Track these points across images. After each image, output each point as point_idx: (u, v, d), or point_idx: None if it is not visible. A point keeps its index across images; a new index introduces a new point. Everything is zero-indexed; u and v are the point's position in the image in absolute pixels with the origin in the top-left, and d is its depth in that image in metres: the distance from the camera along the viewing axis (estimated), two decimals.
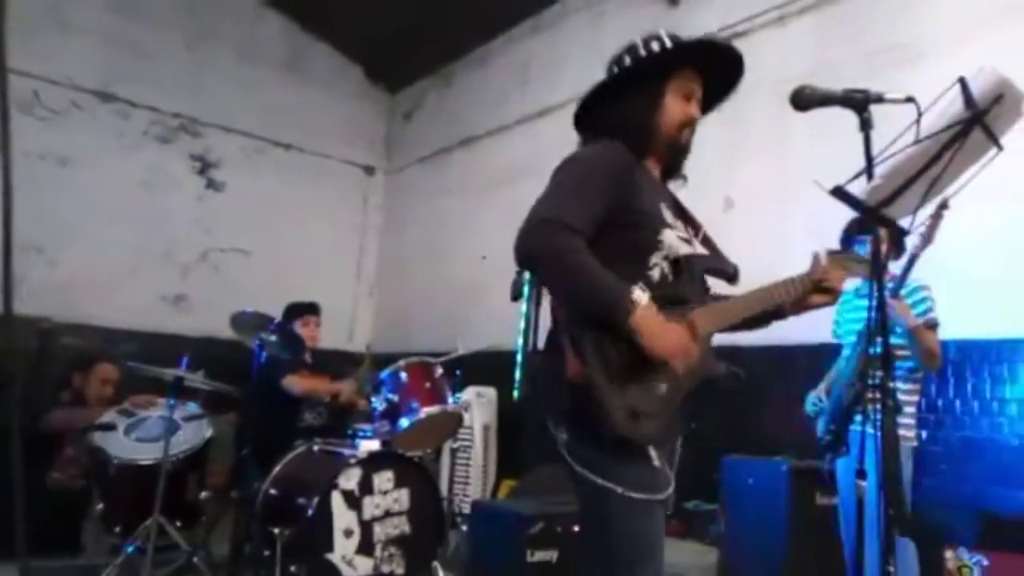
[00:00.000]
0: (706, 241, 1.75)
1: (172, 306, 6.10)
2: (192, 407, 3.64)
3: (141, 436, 3.43)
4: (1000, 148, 1.49)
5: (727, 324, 1.62)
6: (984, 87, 1.39)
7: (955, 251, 2.73)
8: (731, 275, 1.73)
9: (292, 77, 6.90)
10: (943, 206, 2.54)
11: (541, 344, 4.43)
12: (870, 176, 1.55)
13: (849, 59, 4.01)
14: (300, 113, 6.89)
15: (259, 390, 3.51)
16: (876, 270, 1.56)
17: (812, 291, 1.68)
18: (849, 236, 2.77)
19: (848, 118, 1.60)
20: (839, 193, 1.49)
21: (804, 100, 1.63)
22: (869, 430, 2.64)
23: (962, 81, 1.38)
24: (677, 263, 1.60)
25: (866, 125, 1.59)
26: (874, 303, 1.52)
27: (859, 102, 1.58)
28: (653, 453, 1.51)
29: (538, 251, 1.45)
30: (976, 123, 1.41)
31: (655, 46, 1.65)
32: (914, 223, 1.56)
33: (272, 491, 3.23)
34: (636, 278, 1.49)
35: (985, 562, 3.08)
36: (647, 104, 1.65)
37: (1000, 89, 1.39)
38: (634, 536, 1.48)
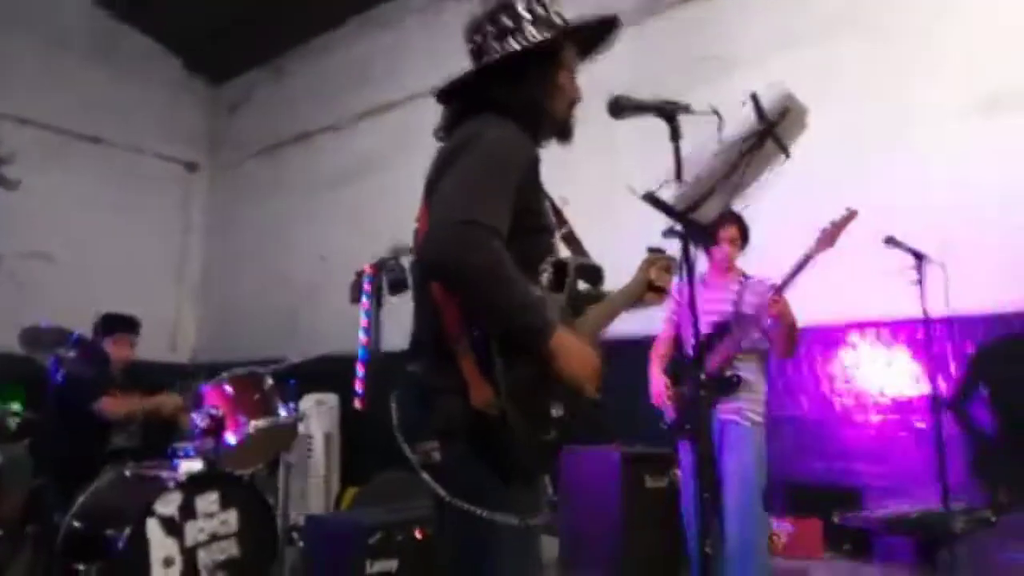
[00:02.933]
0: (570, 239, 1.69)
1: None
2: None
3: None
4: (788, 155, 1.64)
5: (606, 327, 1.60)
6: (773, 102, 1.51)
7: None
8: (597, 276, 1.67)
9: (101, 66, 6.32)
10: (851, 213, 2.77)
11: (382, 347, 4.31)
12: (679, 180, 1.65)
13: (671, 68, 4.29)
14: (111, 105, 6.34)
15: (57, 412, 3.14)
16: (689, 270, 1.66)
17: (646, 291, 1.73)
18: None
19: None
20: (651, 199, 1.57)
21: (619, 108, 1.69)
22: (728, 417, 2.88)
23: (754, 96, 1.50)
24: (560, 267, 1.54)
25: (676, 134, 1.68)
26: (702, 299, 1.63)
27: (669, 112, 1.66)
28: (546, 481, 1.47)
29: (462, 259, 1.25)
30: (768, 134, 1.54)
31: (547, 15, 1.54)
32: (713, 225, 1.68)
33: (76, 523, 2.90)
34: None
35: (791, 528, 3.42)
36: (544, 84, 1.54)
37: (786, 103, 1.52)
38: (518, 566, 1.40)
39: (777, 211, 3.11)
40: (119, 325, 3.80)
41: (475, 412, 1.33)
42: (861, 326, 3.72)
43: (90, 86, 6.19)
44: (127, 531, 2.69)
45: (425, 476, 1.40)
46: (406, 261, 4.40)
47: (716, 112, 1.61)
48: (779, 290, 2.78)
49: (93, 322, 3.82)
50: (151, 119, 6.67)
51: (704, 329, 2.89)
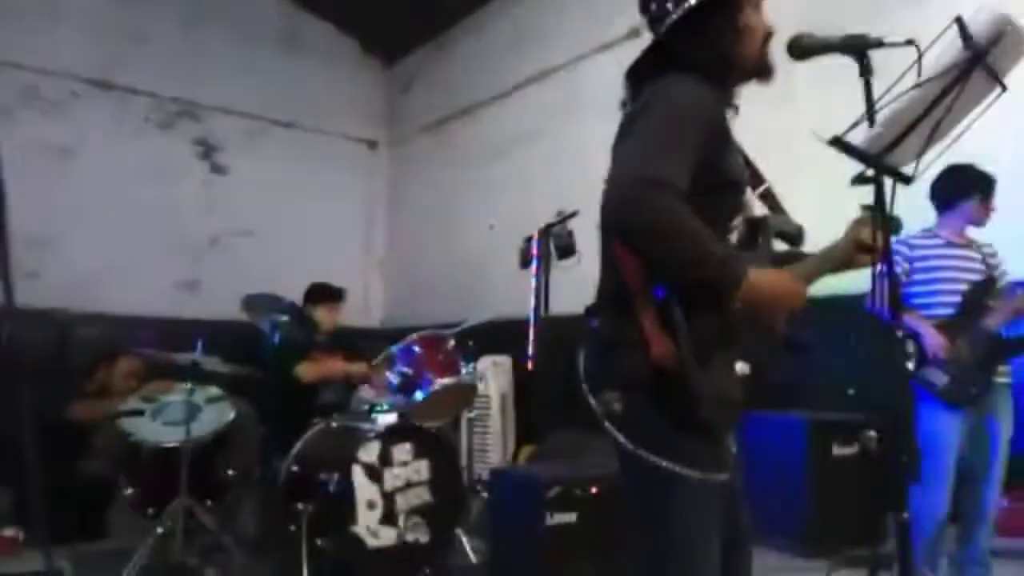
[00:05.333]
0: (768, 197, 1.66)
1: (185, 291, 6.15)
2: (213, 390, 3.70)
3: (167, 420, 3.50)
4: (1004, 88, 1.45)
5: (808, 286, 1.52)
6: (983, 26, 1.35)
7: None
8: (796, 237, 1.63)
9: (288, 54, 6.84)
10: None
11: (552, 311, 4.39)
12: (871, 123, 1.52)
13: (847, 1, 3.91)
14: (298, 91, 6.84)
15: (274, 371, 3.55)
16: (883, 220, 1.54)
17: (857, 250, 1.62)
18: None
19: (848, 66, 1.56)
20: (839, 143, 1.47)
21: (802, 49, 1.58)
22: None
23: (959, 20, 1.34)
24: (753, 225, 1.52)
25: (866, 71, 1.54)
26: (888, 254, 1.51)
27: (858, 48, 1.53)
28: (729, 438, 1.47)
29: (636, 215, 1.26)
30: (977, 63, 1.37)
31: None
32: (917, 169, 1.53)
33: (294, 468, 3.29)
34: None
35: (1006, 504, 3.10)
36: (731, 32, 1.48)
37: (1000, 27, 1.35)
38: (697, 519, 1.39)
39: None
40: (329, 295, 4.25)
41: (655, 366, 1.34)
42: None
43: (280, 74, 6.71)
44: (336, 476, 3.01)
45: (608, 425, 1.42)
46: (573, 225, 4.47)
47: (913, 43, 1.48)
48: None
49: (304, 291, 4.28)
50: (335, 101, 7.13)
51: (957, 289, 2.78)
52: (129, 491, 3.39)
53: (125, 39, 5.99)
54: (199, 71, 6.34)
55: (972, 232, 2.93)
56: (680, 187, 1.28)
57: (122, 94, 6.01)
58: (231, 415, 3.59)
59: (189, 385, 3.38)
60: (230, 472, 3.55)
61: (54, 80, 5.68)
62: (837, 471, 3.17)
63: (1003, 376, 2.76)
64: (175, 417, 3.45)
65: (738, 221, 1.49)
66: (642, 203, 1.26)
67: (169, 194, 6.11)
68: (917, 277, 2.86)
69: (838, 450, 3.23)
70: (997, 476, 2.72)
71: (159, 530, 3.14)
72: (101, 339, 5.13)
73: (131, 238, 5.83)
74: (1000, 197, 2.92)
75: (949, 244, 2.86)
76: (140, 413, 3.47)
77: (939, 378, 2.69)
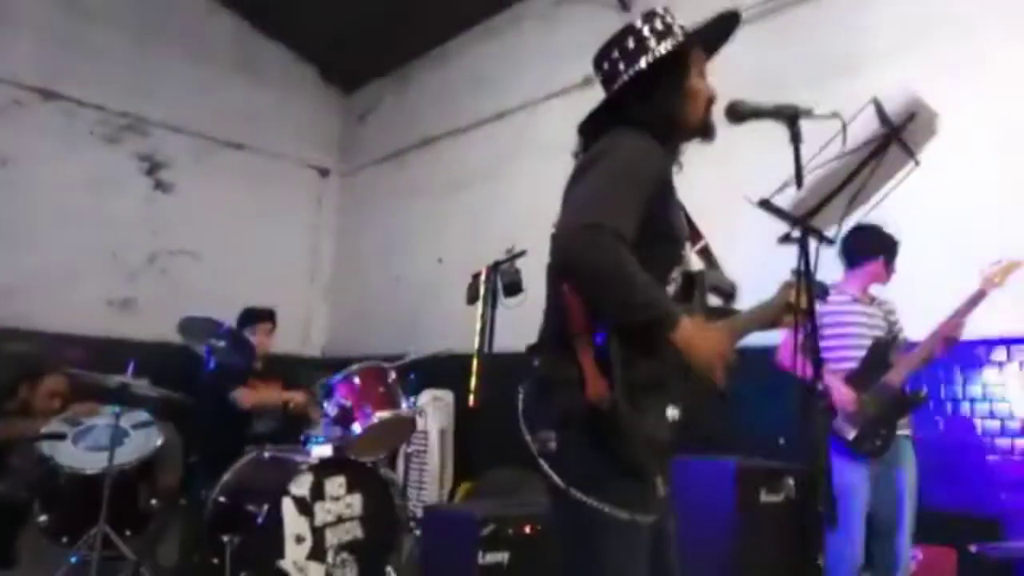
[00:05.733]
0: (705, 254, 1.74)
1: (119, 310, 5.95)
2: (141, 414, 3.58)
3: (89, 445, 3.37)
4: (917, 163, 1.57)
5: (736, 342, 1.58)
6: (898, 106, 1.47)
7: None
8: (730, 293, 1.70)
9: (244, 76, 6.79)
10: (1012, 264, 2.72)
11: (496, 348, 4.41)
12: (800, 186, 1.63)
13: (792, 68, 4.14)
14: (252, 113, 6.79)
15: (208, 397, 3.47)
16: (808, 282, 1.63)
17: (785, 312, 1.71)
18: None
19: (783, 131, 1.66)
20: (767, 205, 1.56)
21: (737, 114, 1.68)
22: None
23: (875, 101, 1.46)
24: (690, 279, 1.59)
25: (796, 138, 1.64)
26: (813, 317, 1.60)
27: (788, 116, 1.63)
28: (659, 481, 1.50)
29: (583, 257, 1.34)
30: (892, 139, 1.49)
31: (667, 28, 1.58)
32: (838, 233, 1.64)
33: (221, 498, 3.20)
34: None
35: (919, 556, 3.22)
36: (677, 94, 1.58)
37: (913, 108, 1.47)
38: (623, 559, 1.43)
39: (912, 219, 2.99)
40: (259, 316, 4.18)
41: (590, 405, 1.38)
42: (1007, 343, 3.44)
43: (233, 94, 6.65)
44: (265, 507, 2.94)
45: (542, 463, 1.46)
46: (521, 264, 4.53)
47: (838, 116, 1.59)
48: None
49: (237, 316, 4.20)
50: (288, 126, 7.09)
51: (862, 344, 2.91)
52: (43, 517, 3.24)
53: (75, 50, 5.87)
54: (150, 86, 6.23)
55: (873, 289, 3.08)
56: (626, 235, 1.34)
57: (67, 105, 5.86)
58: (158, 441, 3.49)
59: (116, 409, 3.27)
60: (153, 501, 3.43)
61: None
62: (764, 517, 3.24)
63: (904, 428, 2.90)
64: (99, 442, 3.34)
65: (676, 273, 1.56)
66: (590, 247, 1.32)
67: (109, 209, 5.94)
68: (826, 332, 2.95)
69: (766, 497, 3.30)
70: (907, 527, 2.83)
71: (73, 559, 3.00)
72: (27, 355, 4.91)
73: (65, 252, 5.63)
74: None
75: (855, 300, 3.00)
76: (62, 437, 3.33)
77: (848, 431, 2.81)
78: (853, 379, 2.86)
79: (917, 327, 2.97)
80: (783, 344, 2.96)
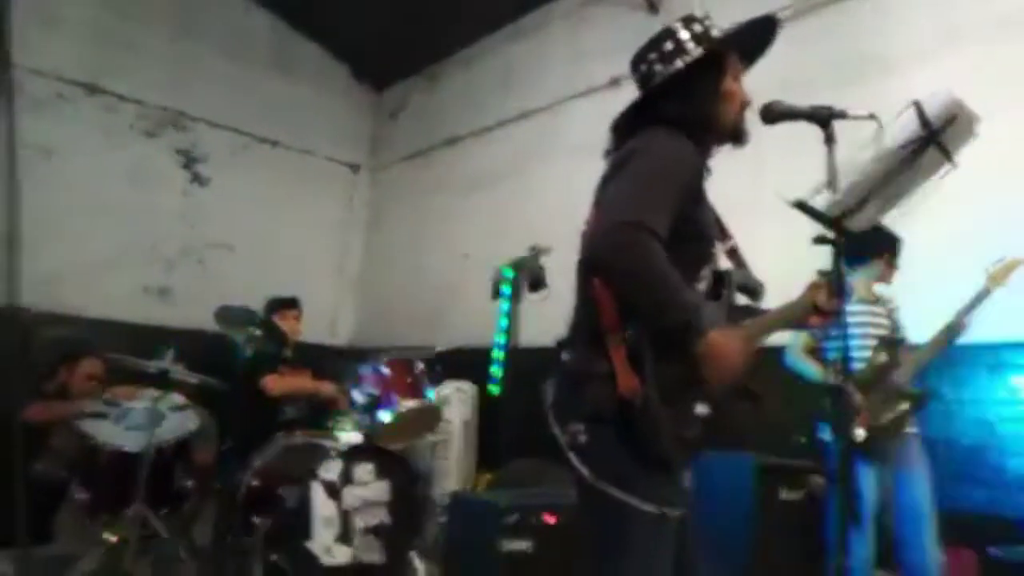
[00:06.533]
0: (734, 254, 1.76)
1: (156, 298, 6.10)
2: (177, 398, 3.68)
3: (129, 425, 3.46)
4: (955, 165, 1.59)
5: (762, 342, 1.61)
6: (938, 109, 1.48)
7: None
8: (757, 292, 1.71)
9: (279, 74, 6.92)
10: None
11: (519, 342, 4.48)
12: (833, 189, 1.65)
13: (824, 69, 4.16)
14: (287, 110, 6.92)
15: (242, 384, 3.56)
16: (837, 281, 1.65)
17: (811, 313, 1.70)
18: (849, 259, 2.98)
19: (815, 133, 1.68)
20: (802, 206, 1.59)
21: (772, 115, 1.70)
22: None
23: (917, 104, 1.48)
24: (719, 277, 1.62)
25: (830, 140, 1.66)
26: (845, 310, 1.62)
27: (823, 118, 1.65)
28: (685, 475, 1.54)
29: (619, 255, 1.35)
30: (931, 142, 1.51)
31: (705, 31, 1.61)
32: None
33: (254, 482, 3.29)
34: None
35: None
36: (712, 95, 1.61)
37: (953, 111, 1.48)
38: (650, 553, 1.45)
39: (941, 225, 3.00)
40: (283, 303, 4.26)
41: (621, 399, 1.41)
42: None
43: (269, 92, 6.80)
44: (296, 491, 3.03)
45: (571, 456, 1.48)
46: (545, 261, 4.59)
47: (874, 117, 1.60)
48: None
49: (263, 306, 4.30)
50: (321, 123, 7.22)
51: (867, 344, 2.92)
52: (83, 495, 3.34)
53: (116, 46, 6.03)
54: (188, 83, 6.38)
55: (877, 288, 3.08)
56: (661, 233, 1.36)
57: (109, 99, 6.01)
58: (195, 424, 3.58)
59: (154, 392, 3.37)
60: (189, 482, 3.53)
61: (41, 80, 5.68)
62: (783, 515, 3.26)
63: (912, 427, 2.90)
64: (138, 422, 3.44)
65: (706, 272, 1.59)
66: (625, 245, 1.34)
67: (147, 201, 6.09)
68: (833, 332, 2.99)
69: (785, 495, 3.32)
70: (931, 527, 2.81)
71: (112, 537, 3.11)
72: (66, 339, 5.06)
73: (104, 241, 5.79)
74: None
75: (861, 300, 3.00)
76: (103, 416, 3.44)
77: (857, 432, 2.82)
78: (861, 380, 2.87)
79: (919, 326, 2.99)
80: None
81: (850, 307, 2.98)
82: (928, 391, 2.94)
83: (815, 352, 3.09)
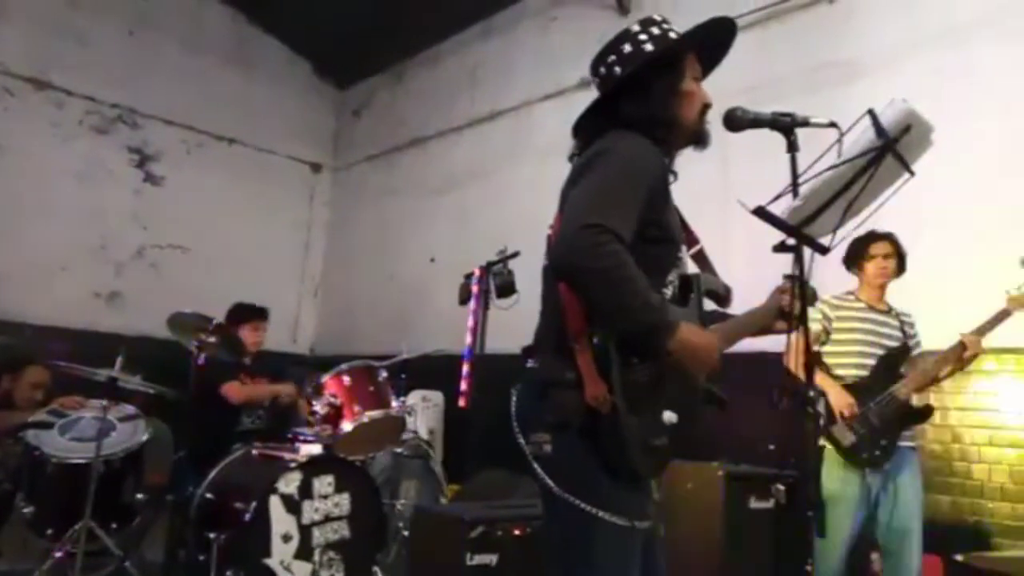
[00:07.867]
0: (701, 258, 1.74)
1: (106, 304, 5.91)
2: (127, 408, 3.56)
3: (76, 436, 3.35)
4: (912, 174, 1.59)
5: (730, 346, 1.60)
6: (893, 118, 1.48)
7: None
8: (724, 296, 1.70)
9: (237, 70, 6.76)
10: None
11: (487, 348, 4.40)
12: (795, 195, 1.64)
13: (791, 75, 4.18)
14: (245, 107, 6.76)
15: (196, 393, 3.44)
16: (801, 288, 1.64)
17: (776, 318, 1.72)
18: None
19: (779, 139, 1.67)
20: (762, 213, 1.57)
21: (735, 123, 1.68)
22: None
23: (871, 112, 1.47)
24: (686, 282, 1.60)
25: (792, 147, 1.66)
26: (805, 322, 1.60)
27: (785, 126, 1.64)
28: (653, 485, 1.51)
29: (583, 258, 1.31)
30: (887, 151, 1.50)
31: (663, 33, 1.60)
32: (833, 241, 1.65)
33: (208, 495, 3.18)
34: None
35: None
36: (671, 96, 1.59)
37: (908, 120, 1.48)
38: (617, 565, 1.42)
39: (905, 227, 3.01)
40: (253, 313, 4.15)
41: (587, 406, 1.38)
42: (998, 352, 3.47)
43: (226, 88, 6.63)
44: (253, 504, 2.92)
45: (536, 467, 1.45)
46: (512, 266, 4.52)
47: (835, 125, 1.60)
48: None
49: (227, 311, 4.17)
50: (281, 121, 7.07)
51: (873, 352, 2.91)
52: (28, 509, 3.20)
53: (66, 39, 5.82)
54: (141, 78, 6.19)
55: (893, 300, 3.07)
56: (626, 236, 1.34)
57: (57, 95, 5.81)
58: (145, 435, 3.46)
59: (103, 401, 3.24)
60: (139, 496, 3.40)
61: None
62: (753, 524, 3.25)
63: (908, 440, 2.90)
64: (86, 433, 3.30)
65: (673, 276, 1.57)
66: (588, 248, 1.31)
67: (97, 201, 5.90)
68: (835, 337, 2.98)
69: (755, 503, 3.31)
70: (917, 541, 2.80)
71: (57, 553, 2.97)
72: (9, 347, 4.86)
73: (52, 244, 5.59)
74: None
75: (870, 308, 2.99)
76: (49, 426, 3.30)
77: (846, 437, 2.82)
78: (860, 387, 2.87)
79: (932, 341, 2.99)
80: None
81: (859, 315, 2.97)
82: (930, 406, 2.92)
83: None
